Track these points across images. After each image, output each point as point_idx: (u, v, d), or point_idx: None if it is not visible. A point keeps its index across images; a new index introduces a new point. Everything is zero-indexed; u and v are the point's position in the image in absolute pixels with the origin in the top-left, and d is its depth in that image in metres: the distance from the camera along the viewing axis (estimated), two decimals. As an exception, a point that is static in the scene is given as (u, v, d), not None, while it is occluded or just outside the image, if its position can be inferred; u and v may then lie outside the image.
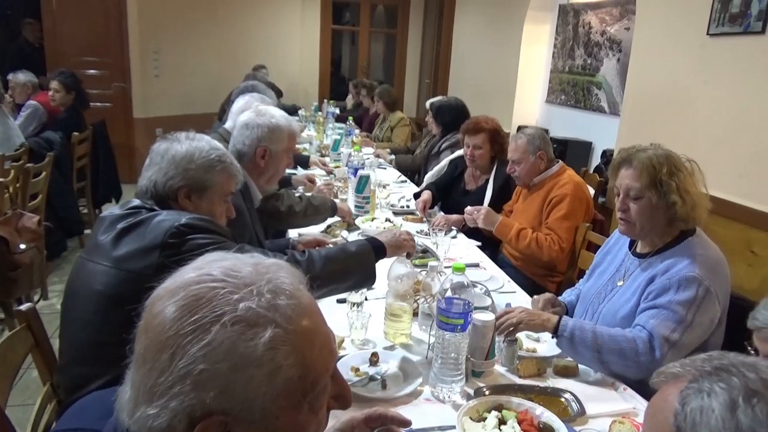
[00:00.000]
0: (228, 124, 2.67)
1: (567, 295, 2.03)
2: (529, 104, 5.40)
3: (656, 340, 1.49)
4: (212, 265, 0.67)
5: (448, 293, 1.44)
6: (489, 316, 1.55)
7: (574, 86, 4.78)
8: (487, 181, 3.09)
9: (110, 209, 1.44)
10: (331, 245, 2.20)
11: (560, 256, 2.52)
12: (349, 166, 3.24)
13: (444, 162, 3.46)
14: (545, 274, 2.66)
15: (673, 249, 1.63)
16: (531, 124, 5.28)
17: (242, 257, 0.69)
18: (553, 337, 1.60)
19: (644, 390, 1.54)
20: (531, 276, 2.64)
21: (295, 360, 0.63)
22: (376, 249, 1.58)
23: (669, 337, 1.49)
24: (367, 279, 1.59)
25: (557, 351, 1.68)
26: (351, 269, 1.53)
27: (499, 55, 5.68)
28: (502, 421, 1.27)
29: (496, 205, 2.97)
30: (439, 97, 4.64)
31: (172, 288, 0.65)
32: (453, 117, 4.02)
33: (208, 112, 6.32)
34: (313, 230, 2.64)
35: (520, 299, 2.08)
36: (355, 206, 2.92)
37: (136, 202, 1.42)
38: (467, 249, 2.60)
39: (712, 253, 1.61)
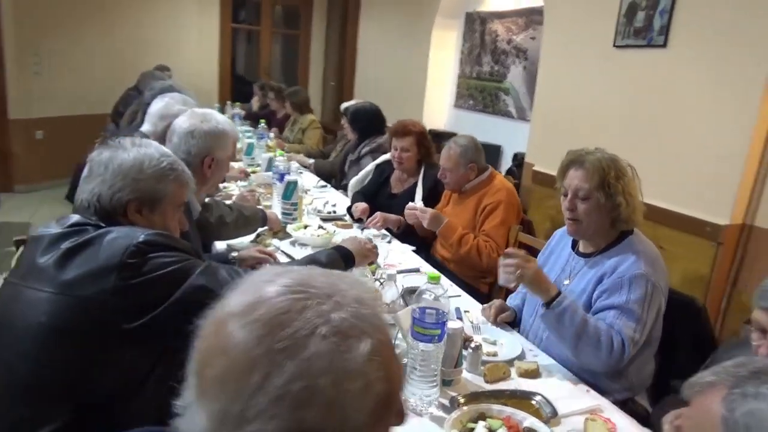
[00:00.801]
0: (146, 128, 2.45)
1: (512, 300, 2.07)
2: (437, 109, 5.52)
3: (626, 341, 1.56)
4: (282, 278, 0.61)
5: (423, 303, 1.41)
6: (458, 324, 1.54)
7: (482, 92, 4.95)
8: (414, 184, 3.11)
9: (44, 226, 1.26)
10: (272, 260, 2.10)
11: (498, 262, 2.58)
12: (275, 171, 3.11)
13: (369, 167, 3.43)
14: (477, 276, 2.71)
15: (616, 248, 1.73)
16: (440, 128, 5.40)
17: (301, 268, 0.65)
18: (542, 305, 1.61)
19: (592, 379, 1.62)
20: (463, 278, 2.68)
21: (384, 373, 0.60)
22: (344, 258, 1.52)
23: (633, 337, 1.57)
24: None
25: (516, 353, 1.71)
26: None
27: (407, 59, 5.76)
28: (491, 431, 1.26)
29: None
30: (353, 102, 4.60)
31: (245, 304, 0.59)
32: (369, 122, 4.02)
33: (99, 113, 5.84)
34: (243, 241, 2.51)
35: (466, 303, 2.10)
36: (283, 213, 2.81)
37: (76, 218, 1.25)
38: (403, 254, 2.58)
39: (650, 249, 1.73)
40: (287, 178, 2.86)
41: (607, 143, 3.10)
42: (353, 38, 6.94)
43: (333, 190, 3.77)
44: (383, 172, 3.30)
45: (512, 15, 4.59)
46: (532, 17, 4.35)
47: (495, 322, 1.89)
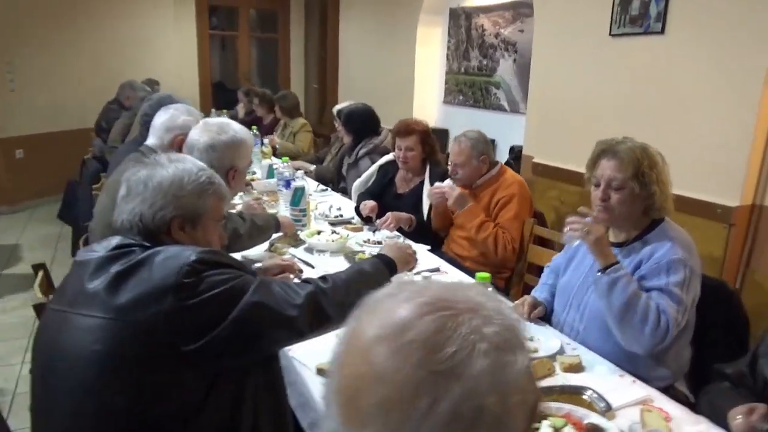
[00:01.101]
0: (151, 141, 2.39)
1: (538, 294, 2.05)
2: (426, 106, 5.50)
3: (670, 321, 1.56)
4: (417, 296, 0.58)
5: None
6: (503, 323, 1.52)
7: (471, 87, 4.95)
8: (421, 183, 3.09)
9: (86, 250, 1.21)
10: (297, 270, 2.07)
11: (512, 257, 2.59)
12: (280, 178, 3.07)
13: (372, 169, 3.40)
14: (493, 271, 2.69)
15: (649, 235, 1.73)
16: (430, 125, 5.38)
17: (425, 283, 0.62)
18: (598, 272, 1.63)
19: (632, 368, 1.61)
20: (479, 274, 2.67)
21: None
22: (388, 266, 1.50)
23: (676, 318, 1.58)
24: None
25: (555, 348, 1.70)
26: (370, 291, 1.42)
27: (392, 58, 5.73)
28: (557, 430, 1.24)
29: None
30: (345, 104, 4.56)
31: (389, 327, 0.56)
32: (363, 123, 3.99)
33: (81, 127, 5.74)
34: (257, 250, 2.47)
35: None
36: (292, 220, 2.77)
37: (118, 239, 1.20)
38: (420, 254, 2.56)
39: (684, 236, 1.73)
40: (294, 184, 2.82)
41: (607, 133, 3.13)
42: (334, 39, 6.89)
43: (334, 193, 3.74)
44: (387, 173, 3.27)
45: (498, 9, 4.59)
46: (519, 10, 4.36)
47: (530, 319, 1.88)
